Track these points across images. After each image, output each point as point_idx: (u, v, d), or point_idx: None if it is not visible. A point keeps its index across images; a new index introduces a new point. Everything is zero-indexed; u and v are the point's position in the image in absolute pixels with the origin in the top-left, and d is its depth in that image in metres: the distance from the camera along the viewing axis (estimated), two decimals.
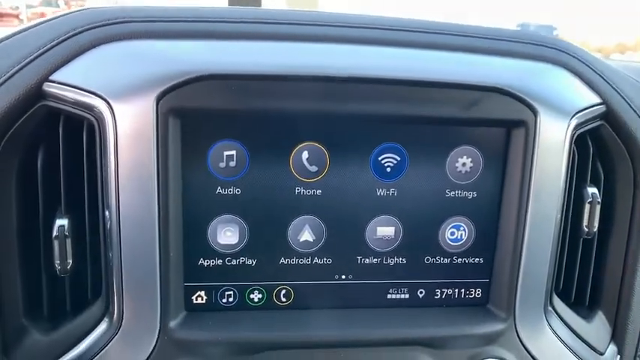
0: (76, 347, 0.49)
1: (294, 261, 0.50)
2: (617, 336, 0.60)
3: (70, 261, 0.48)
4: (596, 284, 0.60)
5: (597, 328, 0.59)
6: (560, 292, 0.58)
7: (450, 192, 0.51)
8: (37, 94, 0.46)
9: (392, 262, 0.51)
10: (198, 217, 0.48)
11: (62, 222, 0.48)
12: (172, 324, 0.47)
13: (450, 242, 0.52)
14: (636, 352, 0.62)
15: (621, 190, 0.58)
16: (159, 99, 0.43)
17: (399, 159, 0.49)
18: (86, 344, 0.48)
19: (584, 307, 0.60)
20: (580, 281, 0.59)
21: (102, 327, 0.48)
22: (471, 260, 0.53)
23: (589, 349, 0.57)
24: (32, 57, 0.46)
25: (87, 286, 0.51)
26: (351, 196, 0.49)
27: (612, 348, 0.60)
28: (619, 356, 0.60)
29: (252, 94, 0.45)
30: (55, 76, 0.46)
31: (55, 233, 0.47)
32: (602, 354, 0.58)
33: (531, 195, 0.50)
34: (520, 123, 0.49)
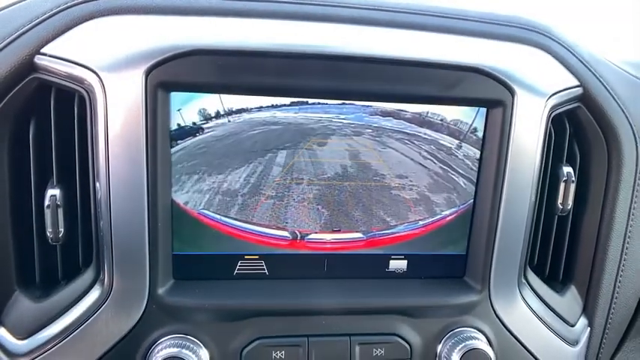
0: (67, 313, 0.50)
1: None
2: (588, 309, 0.63)
3: (62, 229, 0.50)
4: (569, 260, 0.63)
5: (569, 301, 0.62)
6: (535, 267, 0.61)
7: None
8: (28, 66, 0.47)
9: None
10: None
11: (54, 192, 0.49)
12: (160, 291, 0.49)
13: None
14: (605, 324, 0.65)
15: (596, 170, 0.60)
16: (148, 72, 0.44)
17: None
18: (77, 310, 0.50)
19: (557, 281, 0.63)
20: (554, 257, 0.62)
21: (92, 294, 0.50)
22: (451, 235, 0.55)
23: (560, 320, 0.60)
24: (23, 30, 0.47)
25: (78, 255, 0.52)
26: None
27: (583, 320, 0.63)
28: (589, 328, 0.63)
29: (237, 70, 0.46)
30: (46, 49, 0.46)
31: (47, 202, 0.49)
32: (572, 325, 0.61)
33: (507, 172, 0.52)
34: (498, 102, 0.50)
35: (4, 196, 0.51)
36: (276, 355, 0.50)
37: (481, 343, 0.52)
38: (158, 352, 0.47)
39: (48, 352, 0.50)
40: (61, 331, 0.50)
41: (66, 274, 0.53)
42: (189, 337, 0.49)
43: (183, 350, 0.47)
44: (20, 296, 0.53)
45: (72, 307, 0.51)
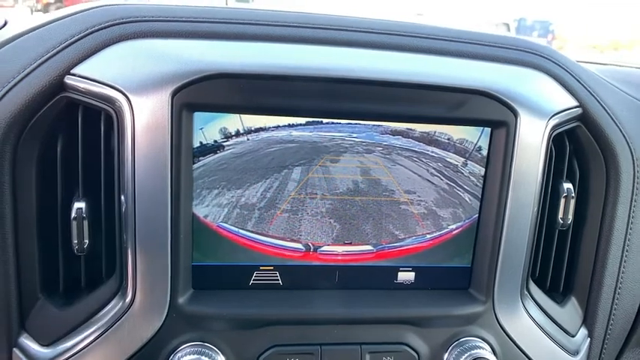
0: (90, 321, 0.53)
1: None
2: (588, 320, 0.65)
3: (87, 241, 0.52)
4: (569, 272, 0.65)
5: (570, 312, 0.65)
6: (537, 279, 0.64)
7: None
8: (58, 86, 0.50)
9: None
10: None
11: (80, 205, 0.52)
12: (181, 300, 0.51)
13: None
14: (605, 335, 0.67)
15: (595, 187, 0.63)
16: (174, 94, 0.47)
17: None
18: (100, 318, 0.52)
19: (558, 293, 0.65)
20: (555, 270, 0.64)
21: (115, 303, 0.52)
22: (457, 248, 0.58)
23: (561, 331, 0.62)
24: (55, 51, 0.50)
25: (101, 266, 0.55)
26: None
27: (583, 331, 0.65)
28: (589, 339, 0.65)
29: (257, 92, 0.49)
30: (76, 70, 0.49)
31: (73, 215, 0.52)
32: (573, 336, 0.63)
33: (510, 189, 0.55)
34: (502, 123, 0.53)
35: (32, 208, 0.53)
36: None
37: (485, 352, 0.54)
38: (178, 358, 0.50)
39: (71, 358, 0.52)
40: (83, 339, 0.52)
41: (89, 283, 0.55)
42: (207, 344, 0.51)
43: (202, 357, 0.50)
44: (44, 304, 0.55)
45: (95, 315, 0.53)
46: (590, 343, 0.65)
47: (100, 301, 0.53)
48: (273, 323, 0.52)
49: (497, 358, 0.55)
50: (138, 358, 0.51)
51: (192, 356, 0.49)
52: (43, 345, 0.54)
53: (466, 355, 0.53)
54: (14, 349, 0.54)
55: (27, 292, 0.55)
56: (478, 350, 0.54)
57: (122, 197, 0.50)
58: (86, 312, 0.53)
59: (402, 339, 0.54)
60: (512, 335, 0.57)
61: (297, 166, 0.52)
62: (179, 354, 0.50)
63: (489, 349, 0.55)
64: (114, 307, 0.52)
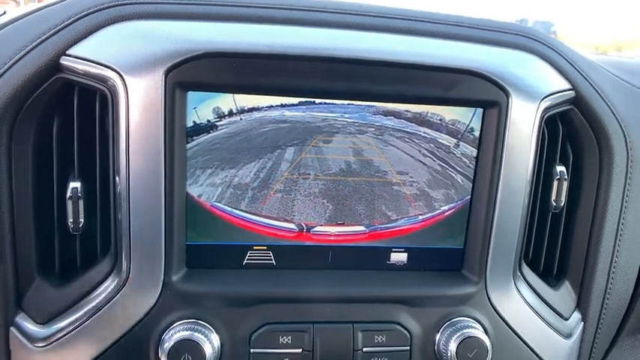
0: (85, 299, 0.53)
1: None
2: (582, 304, 0.66)
3: (82, 220, 0.53)
4: (563, 256, 0.66)
5: (563, 296, 0.65)
6: (530, 262, 0.64)
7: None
8: (54, 67, 0.50)
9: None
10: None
11: (75, 184, 0.52)
12: (175, 278, 0.52)
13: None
14: (599, 319, 0.67)
15: (588, 170, 0.63)
16: (167, 73, 0.48)
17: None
18: (95, 296, 0.53)
19: (551, 277, 0.66)
20: (548, 253, 0.65)
21: (110, 281, 0.53)
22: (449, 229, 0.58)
23: (554, 314, 0.63)
24: (50, 33, 0.51)
25: (96, 245, 0.55)
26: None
27: (577, 315, 0.66)
28: (583, 323, 0.66)
29: (250, 72, 0.49)
30: (71, 51, 0.50)
31: (69, 194, 0.52)
32: (566, 319, 0.64)
33: (502, 170, 0.55)
34: (493, 104, 0.53)
35: (28, 188, 0.54)
36: (283, 340, 0.52)
37: (477, 332, 0.54)
38: (172, 335, 0.50)
39: (67, 336, 0.53)
40: (79, 317, 0.53)
41: (84, 263, 0.56)
42: (200, 321, 0.51)
43: (195, 334, 0.50)
44: (40, 284, 0.56)
45: (90, 293, 0.53)
46: (584, 327, 0.65)
47: (95, 279, 0.54)
48: (265, 301, 0.53)
49: (489, 338, 0.55)
50: (132, 335, 0.51)
51: (185, 332, 0.50)
52: (39, 323, 0.55)
53: (458, 334, 0.54)
54: (11, 327, 0.55)
55: (23, 272, 0.55)
56: (470, 330, 0.54)
57: (117, 178, 0.51)
58: (81, 290, 0.54)
59: (394, 318, 0.55)
60: (505, 316, 0.57)
61: (289, 146, 0.53)
62: (172, 331, 0.51)
63: (481, 330, 0.55)
64: (109, 285, 0.53)
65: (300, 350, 0.53)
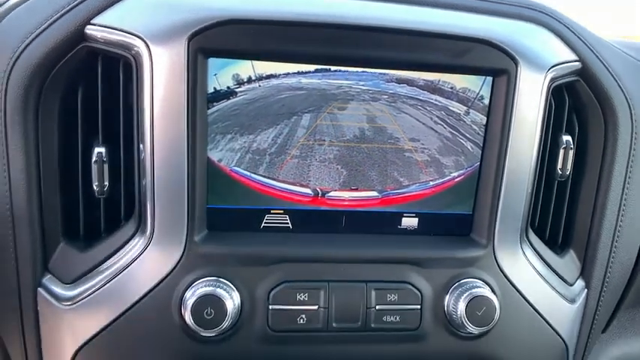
0: (110, 260, 0.56)
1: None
2: (586, 272, 0.68)
3: (107, 183, 0.55)
4: (568, 225, 0.68)
5: (567, 263, 0.67)
6: (536, 230, 0.66)
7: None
8: (79, 36, 0.52)
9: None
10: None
11: (100, 149, 0.55)
12: (197, 239, 0.54)
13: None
14: (602, 287, 0.69)
15: (593, 140, 0.65)
16: (190, 39, 0.49)
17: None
18: (120, 257, 0.55)
19: (557, 245, 0.68)
20: (554, 222, 0.67)
21: (135, 242, 0.55)
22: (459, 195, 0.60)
23: (559, 279, 0.65)
24: (75, 3, 0.52)
25: (119, 210, 0.58)
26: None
27: (580, 282, 0.68)
28: (586, 290, 0.68)
29: (268, 39, 0.51)
30: (96, 20, 0.52)
31: (94, 159, 0.54)
32: (571, 285, 0.66)
33: (511, 137, 0.57)
34: (502, 72, 0.55)
35: (54, 154, 0.56)
36: (300, 297, 0.55)
37: (486, 291, 0.57)
38: (194, 291, 0.53)
39: (92, 295, 0.55)
40: (104, 277, 0.55)
41: (108, 227, 0.58)
42: (222, 280, 0.54)
43: (218, 290, 0.53)
44: (66, 247, 0.59)
45: (115, 254, 0.56)
46: (587, 294, 0.68)
47: (119, 242, 0.56)
48: (283, 261, 0.55)
49: (497, 298, 0.57)
50: (156, 292, 0.54)
51: (208, 289, 0.52)
52: (65, 284, 0.57)
53: (467, 294, 0.56)
54: (39, 289, 0.57)
55: (49, 236, 0.58)
56: (478, 289, 0.56)
57: (141, 143, 0.53)
58: (106, 253, 0.56)
59: (405, 278, 0.57)
60: (512, 278, 0.60)
61: (306, 112, 0.55)
62: (195, 288, 0.53)
63: (489, 290, 0.58)
64: (133, 246, 0.55)
65: (316, 307, 0.55)
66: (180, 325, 0.53)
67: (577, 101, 0.64)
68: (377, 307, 0.56)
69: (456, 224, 0.61)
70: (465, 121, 0.58)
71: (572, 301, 0.65)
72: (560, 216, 0.67)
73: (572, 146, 0.63)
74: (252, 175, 0.56)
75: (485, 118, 0.58)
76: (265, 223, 0.58)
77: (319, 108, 0.55)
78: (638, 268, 0.73)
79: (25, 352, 0.61)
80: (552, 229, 0.67)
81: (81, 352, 0.56)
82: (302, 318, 0.55)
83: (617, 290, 0.73)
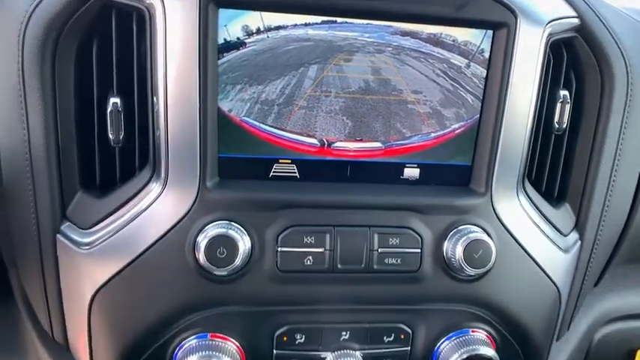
0: (126, 206, 0.59)
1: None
2: (579, 225, 0.71)
3: (122, 132, 0.58)
4: (563, 179, 0.70)
5: (562, 215, 0.70)
6: (533, 183, 0.68)
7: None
8: None
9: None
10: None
11: (115, 100, 0.57)
12: (209, 185, 0.57)
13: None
14: (594, 240, 0.72)
15: (590, 96, 0.67)
16: None
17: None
18: (135, 203, 0.58)
19: (552, 198, 0.71)
20: (550, 175, 0.70)
21: (149, 188, 0.58)
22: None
23: (554, 229, 0.68)
24: None
25: (134, 160, 0.60)
26: None
27: (574, 235, 0.71)
28: (580, 242, 0.71)
29: None
30: None
31: (109, 109, 0.57)
32: (565, 235, 0.69)
33: (509, 90, 0.59)
34: (502, 25, 0.57)
35: (70, 105, 0.58)
36: (307, 240, 0.58)
37: (483, 236, 0.60)
38: (208, 232, 0.55)
39: (109, 239, 0.58)
40: (121, 222, 0.58)
41: (123, 176, 0.61)
42: (233, 223, 0.57)
43: (230, 231, 0.55)
44: (83, 196, 0.61)
45: (130, 201, 0.59)
46: (581, 245, 0.71)
47: (135, 189, 0.59)
48: (291, 206, 0.58)
49: (493, 242, 0.60)
50: (171, 235, 0.57)
51: (220, 230, 0.55)
52: (83, 229, 0.60)
53: (464, 238, 0.59)
54: (58, 235, 0.60)
55: (67, 184, 0.60)
56: (476, 234, 0.59)
57: (154, 92, 0.55)
58: (122, 199, 0.59)
59: (406, 224, 0.60)
60: (508, 226, 0.63)
61: (313, 64, 0.57)
62: (208, 229, 0.56)
63: (486, 235, 0.61)
64: (147, 192, 0.58)
65: (322, 249, 0.58)
66: (194, 265, 0.56)
67: (575, 57, 0.66)
68: (379, 249, 0.59)
69: (456, 175, 0.63)
70: (465, 74, 0.60)
71: (565, 251, 0.68)
72: (557, 169, 0.69)
73: (568, 101, 0.65)
74: (261, 126, 0.58)
75: (486, 71, 0.60)
76: (274, 172, 0.60)
77: (326, 59, 0.57)
78: (630, 223, 0.76)
79: (45, 298, 0.64)
80: (548, 182, 0.70)
81: (99, 295, 0.59)
82: (309, 259, 0.58)
83: (609, 244, 0.76)
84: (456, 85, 0.60)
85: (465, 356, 0.61)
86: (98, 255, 0.59)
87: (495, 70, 0.59)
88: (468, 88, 0.60)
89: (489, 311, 0.64)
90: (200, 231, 0.56)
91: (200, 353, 0.57)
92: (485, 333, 0.65)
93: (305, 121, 0.59)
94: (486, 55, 0.59)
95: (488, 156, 0.61)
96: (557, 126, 0.65)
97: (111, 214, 0.59)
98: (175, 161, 0.57)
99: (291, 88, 0.57)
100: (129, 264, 0.58)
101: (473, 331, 0.64)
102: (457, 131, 0.62)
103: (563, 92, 0.65)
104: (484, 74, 0.60)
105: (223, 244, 0.55)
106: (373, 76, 0.58)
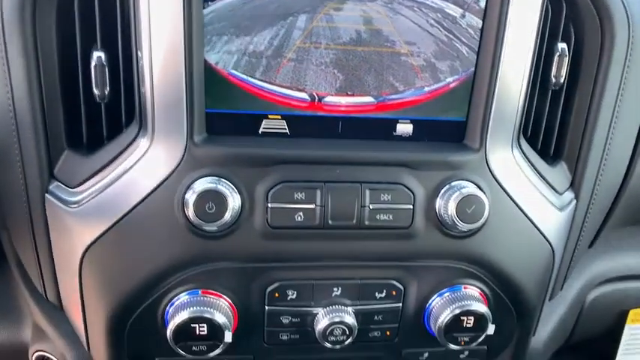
0: (113, 163, 0.58)
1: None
2: (575, 184, 0.70)
3: (108, 87, 0.56)
4: (560, 137, 0.69)
5: (558, 173, 0.69)
6: (529, 140, 0.67)
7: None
8: None
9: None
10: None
11: (99, 54, 0.55)
12: (197, 140, 0.56)
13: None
14: (589, 201, 0.72)
15: (589, 50, 0.65)
16: None
17: None
18: (122, 160, 0.57)
19: (548, 156, 0.70)
20: (546, 133, 0.68)
21: (136, 145, 0.57)
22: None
23: (549, 187, 0.67)
24: None
25: (120, 117, 0.59)
26: None
27: (570, 194, 0.70)
28: (575, 201, 0.70)
29: None
30: None
31: (93, 63, 0.55)
32: (560, 194, 0.68)
33: (505, 42, 0.57)
34: None
35: (54, 61, 0.57)
36: (298, 196, 0.57)
37: (476, 191, 0.59)
38: (196, 188, 0.55)
39: (97, 196, 0.57)
40: (108, 179, 0.57)
41: (110, 134, 0.60)
42: (223, 179, 0.56)
43: (219, 186, 0.55)
44: (70, 154, 0.60)
45: (117, 158, 0.58)
46: (576, 205, 0.70)
47: (122, 145, 0.58)
48: (281, 162, 0.57)
49: (486, 197, 0.59)
50: (159, 191, 0.56)
51: (209, 185, 0.54)
52: (71, 188, 0.59)
53: (457, 193, 0.58)
54: (46, 194, 0.60)
55: (54, 143, 0.59)
56: (469, 189, 0.58)
57: (139, 45, 0.53)
58: (109, 156, 0.58)
59: (399, 179, 0.59)
60: (502, 182, 0.62)
61: (301, 13, 0.55)
62: (196, 185, 0.55)
63: (479, 190, 0.60)
64: (134, 149, 0.57)
65: (312, 205, 0.57)
66: (184, 221, 0.56)
67: (574, 10, 0.64)
68: (371, 205, 0.58)
69: (450, 131, 0.62)
70: (460, 25, 0.58)
71: (560, 209, 0.68)
72: (553, 126, 0.68)
73: (567, 54, 0.63)
74: (249, 79, 0.57)
75: (481, 22, 0.58)
76: (263, 128, 0.59)
77: (315, 8, 0.55)
78: (627, 184, 0.75)
79: (37, 259, 0.64)
80: (544, 140, 0.68)
81: (89, 253, 0.59)
82: (299, 216, 0.57)
83: (605, 204, 0.75)
84: (450, 36, 0.58)
85: (457, 312, 0.61)
86: (86, 213, 0.58)
87: (491, 21, 0.57)
88: (462, 39, 0.58)
89: (482, 268, 0.64)
90: (188, 187, 0.55)
91: (191, 309, 0.57)
92: (478, 290, 0.65)
93: (294, 75, 0.57)
94: (482, 4, 0.57)
95: (483, 111, 0.60)
96: (554, 80, 0.64)
97: (98, 171, 0.59)
98: (162, 116, 0.55)
99: (279, 40, 0.56)
100: (117, 221, 0.57)
101: (465, 288, 0.64)
102: (451, 85, 0.60)
103: (562, 45, 0.63)
104: (479, 25, 0.58)
105: (212, 200, 0.54)
106: (365, 26, 0.56)
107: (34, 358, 0.71)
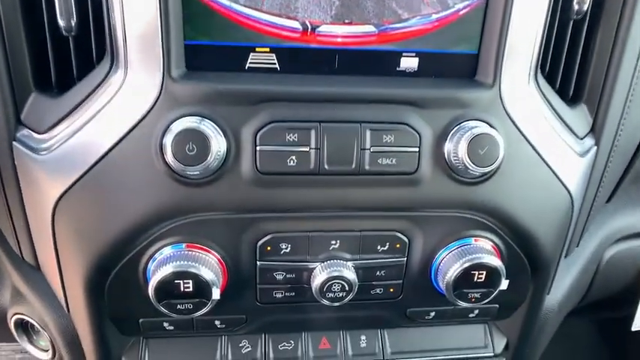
0: (85, 103, 0.52)
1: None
2: (596, 129, 0.64)
3: (74, 18, 0.50)
4: (580, 76, 0.62)
5: (578, 115, 0.63)
6: (547, 79, 0.61)
7: None
8: None
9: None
10: None
11: None
12: (175, 75, 0.50)
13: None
14: (611, 148, 0.66)
15: None
16: None
17: None
18: (94, 99, 0.51)
19: (568, 97, 0.63)
20: (566, 71, 0.62)
21: (108, 83, 0.51)
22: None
23: (568, 130, 0.61)
24: None
25: (91, 53, 0.53)
26: None
27: (590, 139, 0.64)
28: (596, 147, 0.64)
29: None
30: None
31: None
32: (580, 138, 0.62)
33: None
34: None
35: None
36: (289, 137, 0.51)
37: (490, 130, 0.53)
38: (175, 127, 0.49)
39: (68, 140, 0.52)
40: (79, 122, 0.52)
41: (80, 73, 0.54)
42: (205, 119, 0.50)
43: (201, 126, 0.49)
44: (38, 97, 0.54)
45: (88, 98, 0.52)
46: (597, 152, 0.64)
47: (93, 84, 0.52)
48: (270, 99, 0.51)
49: (501, 137, 0.53)
50: (136, 132, 0.50)
51: (190, 124, 0.48)
52: (40, 133, 0.54)
53: (468, 133, 0.52)
54: (14, 142, 0.54)
55: (19, 86, 0.53)
56: (482, 128, 0.52)
57: None
58: (80, 97, 0.52)
59: (403, 119, 0.53)
60: (517, 122, 0.55)
61: None
62: (176, 125, 0.49)
63: (493, 129, 0.53)
64: (106, 87, 0.51)
65: (307, 148, 0.51)
66: (162, 166, 0.50)
67: None
68: (372, 148, 0.52)
69: (460, 65, 0.55)
70: None
71: (580, 155, 0.62)
72: (574, 63, 0.61)
73: None
74: (233, 5, 0.50)
75: None
76: (250, 62, 0.53)
77: None
78: None
79: (9, 215, 0.59)
80: (564, 78, 0.62)
81: (61, 204, 0.53)
82: (292, 160, 0.51)
83: (626, 153, 0.69)
84: None
85: (466, 265, 0.56)
86: (56, 160, 0.53)
87: None
88: None
89: (495, 218, 0.58)
90: (167, 128, 0.49)
91: (175, 263, 0.52)
92: (490, 242, 0.59)
93: (284, 0, 0.51)
94: None
95: (497, 42, 0.53)
96: (576, 8, 0.57)
97: (68, 114, 0.53)
98: (135, 49, 0.49)
99: None
100: (90, 168, 0.51)
101: (476, 240, 0.58)
102: (462, 12, 0.53)
103: None
104: None
105: (192, 140, 0.48)
106: None
107: (12, 321, 0.66)
